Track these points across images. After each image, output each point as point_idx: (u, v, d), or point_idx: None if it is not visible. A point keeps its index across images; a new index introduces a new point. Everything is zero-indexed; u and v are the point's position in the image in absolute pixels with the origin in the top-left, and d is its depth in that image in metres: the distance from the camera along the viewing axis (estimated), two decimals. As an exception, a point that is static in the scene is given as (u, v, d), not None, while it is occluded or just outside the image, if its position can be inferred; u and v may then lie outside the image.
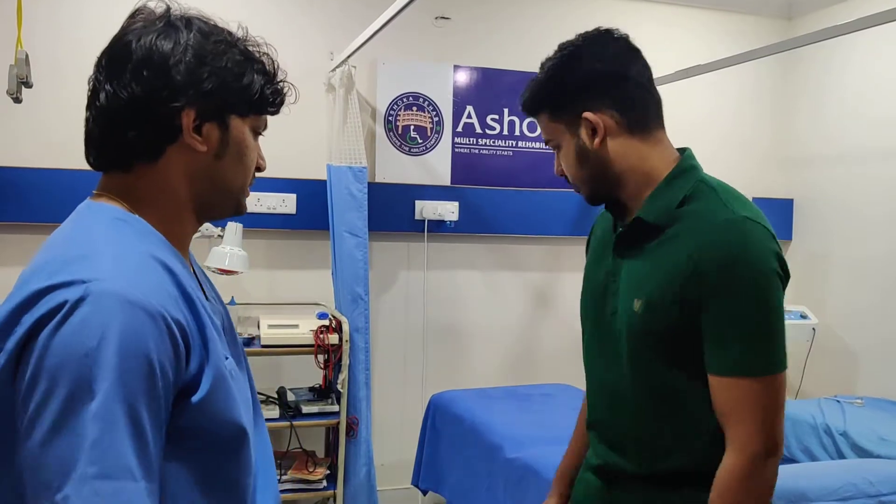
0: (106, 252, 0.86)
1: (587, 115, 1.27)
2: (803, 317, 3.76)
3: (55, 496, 0.75)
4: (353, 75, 3.40)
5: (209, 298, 1.05)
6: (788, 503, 1.79)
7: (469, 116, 3.79)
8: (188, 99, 0.94)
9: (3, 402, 0.80)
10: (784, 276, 1.25)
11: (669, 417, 1.26)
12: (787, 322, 3.88)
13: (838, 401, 3.25)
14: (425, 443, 3.21)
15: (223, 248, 3.08)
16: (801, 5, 4.11)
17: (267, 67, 1.09)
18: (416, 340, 3.76)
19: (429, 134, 3.74)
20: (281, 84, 1.12)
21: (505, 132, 3.84)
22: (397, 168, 3.69)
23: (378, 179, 3.65)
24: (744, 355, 1.17)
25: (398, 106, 3.68)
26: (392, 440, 3.71)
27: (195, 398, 0.86)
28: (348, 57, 3.23)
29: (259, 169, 1.07)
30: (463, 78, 3.77)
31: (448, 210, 3.73)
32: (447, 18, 3.71)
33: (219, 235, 3.20)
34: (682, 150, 1.36)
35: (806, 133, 4.19)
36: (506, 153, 3.85)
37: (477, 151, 3.81)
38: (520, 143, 3.87)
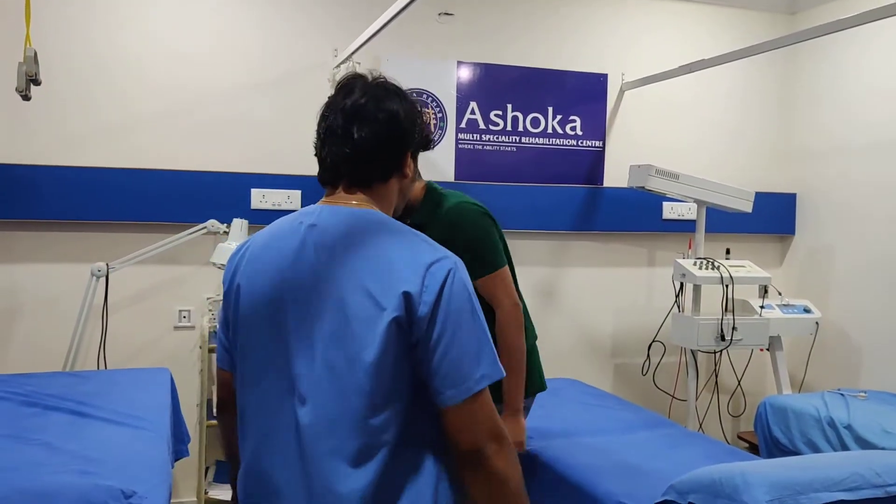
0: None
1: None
2: (807, 311, 3.77)
3: (477, 373, 1.22)
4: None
5: None
6: (795, 494, 1.80)
7: (472, 112, 3.80)
8: (409, 142, 1.40)
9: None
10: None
11: None
12: (790, 316, 3.85)
13: (842, 394, 3.26)
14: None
15: (229, 245, 3.10)
16: (805, 0, 4.11)
17: (427, 119, 1.47)
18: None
19: (432, 130, 3.74)
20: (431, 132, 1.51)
21: (508, 128, 3.85)
22: (401, 164, 3.70)
23: (382, 175, 3.66)
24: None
25: (402, 102, 3.69)
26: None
27: None
28: (352, 53, 3.24)
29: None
30: (466, 74, 3.78)
31: (452, 206, 3.74)
32: (450, 14, 3.72)
33: (224, 232, 3.21)
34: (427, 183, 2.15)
35: (809, 128, 4.19)
36: (509, 149, 3.86)
37: (480, 147, 3.82)
38: (523, 139, 3.88)
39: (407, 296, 1.21)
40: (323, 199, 1.37)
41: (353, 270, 1.24)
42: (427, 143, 1.49)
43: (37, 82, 2.54)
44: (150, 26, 3.32)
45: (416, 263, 1.23)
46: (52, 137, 3.24)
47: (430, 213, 2.10)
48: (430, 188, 2.16)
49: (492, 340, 1.28)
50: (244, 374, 1.34)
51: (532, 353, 2.19)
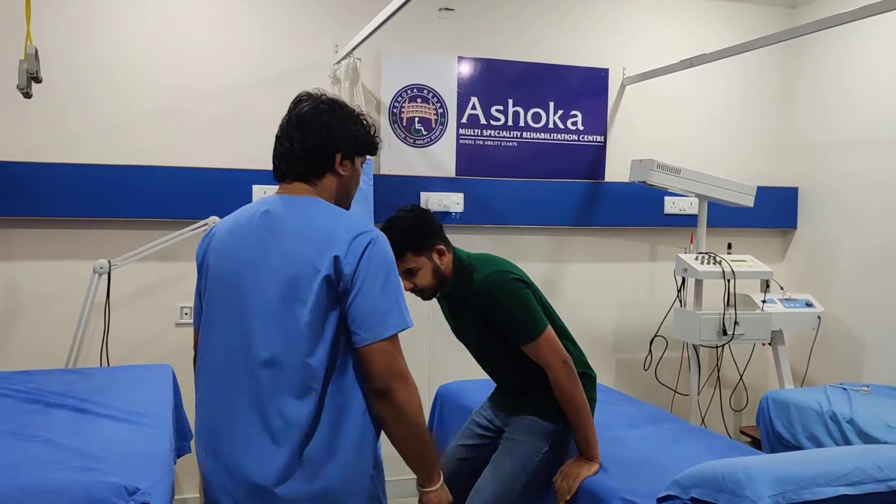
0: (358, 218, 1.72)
1: (435, 248, 2.21)
2: (808, 305, 3.77)
3: (387, 322, 1.55)
4: (357, 67, 3.40)
5: None
6: (798, 489, 1.80)
7: (473, 108, 3.79)
8: (340, 147, 1.69)
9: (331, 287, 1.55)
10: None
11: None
12: (792, 310, 3.85)
13: (844, 388, 3.26)
14: (433, 433, 3.22)
15: (230, 241, 3.09)
16: (806, -7, 4.10)
17: (368, 128, 1.76)
18: (422, 331, 3.77)
19: (433, 125, 3.74)
20: (376, 137, 1.80)
21: (510, 123, 3.84)
22: (402, 160, 3.70)
23: (383, 171, 3.66)
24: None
25: (402, 98, 3.68)
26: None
27: None
28: (353, 49, 3.24)
29: None
30: (467, 69, 3.78)
31: (453, 201, 3.74)
32: (451, 10, 3.71)
33: (226, 228, 3.21)
34: (453, 250, 2.29)
35: (811, 122, 4.18)
36: (510, 144, 3.86)
37: (482, 143, 3.82)
38: (524, 134, 3.87)
39: (336, 259, 1.54)
40: (276, 191, 1.71)
41: (297, 243, 1.58)
42: (368, 148, 1.78)
43: (38, 80, 2.54)
44: (150, 24, 3.32)
45: (346, 234, 1.57)
46: (53, 135, 3.24)
47: (463, 288, 2.24)
48: (457, 259, 2.25)
49: (401, 303, 1.59)
50: (208, 334, 1.67)
51: (588, 390, 2.31)
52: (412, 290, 2.23)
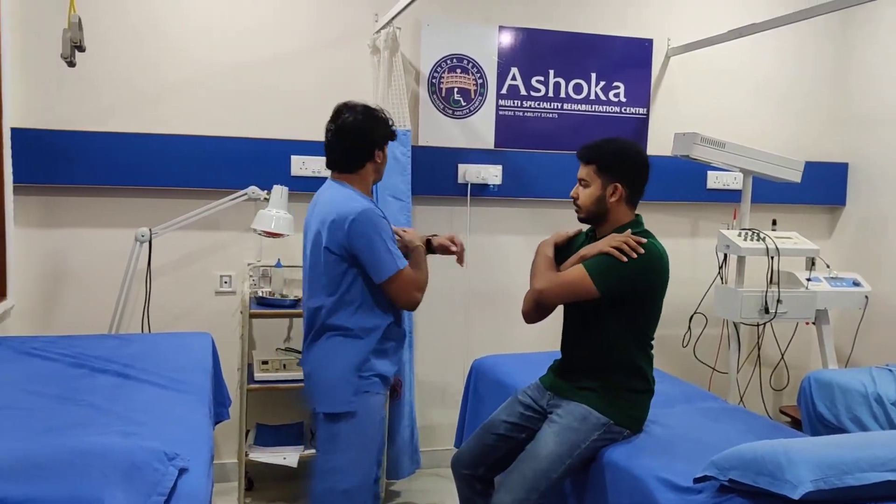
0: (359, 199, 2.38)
1: (617, 184, 2.29)
2: (856, 284, 3.67)
3: (393, 271, 2.32)
4: (397, 37, 3.36)
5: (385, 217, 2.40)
6: (841, 473, 1.75)
7: (514, 78, 3.73)
8: (376, 144, 2.43)
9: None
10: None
11: None
12: (838, 289, 3.75)
13: (891, 370, 3.17)
14: (468, 406, 3.23)
15: (269, 211, 3.12)
16: (863, -40, 3.93)
17: (389, 121, 2.46)
18: (459, 305, 3.77)
19: (472, 96, 3.69)
20: (394, 126, 2.48)
21: (550, 94, 3.78)
22: (440, 131, 3.66)
23: (421, 143, 3.64)
24: None
25: (442, 68, 3.64)
26: (434, 403, 3.75)
27: None
28: (392, 18, 3.20)
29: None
30: (508, 39, 3.71)
31: (491, 174, 3.70)
32: (492, -22, 3.64)
33: (265, 199, 3.23)
34: (637, 215, 2.37)
35: (863, 95, 4.04)
36: (551, 115, 3.80)
37: (521, 114, 3.76)
38: (565, 105, 3.81)
39: (329, 234, 2.32)
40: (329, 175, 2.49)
41: (316, 219, 2.39)
42: (389, 136, 2.45)
43: (81, 49, 2.56)
44: (190, -9, 3.32)
45: (345, 215, 2.29)
46: (97, 104, 3.28)
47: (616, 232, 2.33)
48: (634, 221, 2.34)
49: (389, 253, 2.31)
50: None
51: (647, 396, 2.36)
52: (574, 199, 2.37)
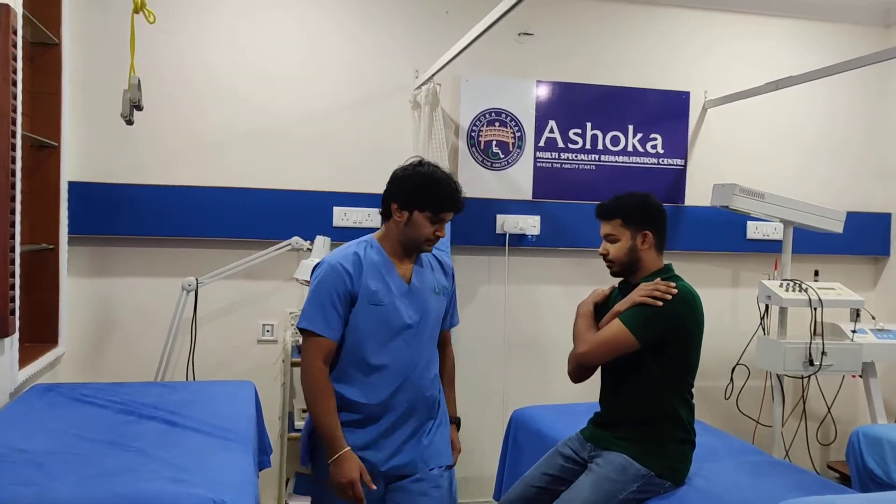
0: (338, 250, 2.28)
1: (646, 231, 2.34)
2: (903, 336, 3.59)
3: (302, 325, 2.19)
4: (437, 92, 3.46)
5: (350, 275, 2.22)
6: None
7: (551, 131, 3.80)
8: (395, 199, 2.25)
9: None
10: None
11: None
12: (885, 341, 3.68)
13: (942, 425, 3.09)
14: (507, 458, 3.21)
15: (312, 261, 3.18)
16: (899, 12, 3.95)
17: (443, 190, 2.25)
18: (497, 354, 3.77)
19: (511, 149, 3.76)
20: (448, 201, 2.26)
21: (588, 146, 3.83)
22: (479, 183, 3.72)
23: (461, 194, 3.69)
24: None
25: (481, 122, 3.72)
26: (472, 454, 3.73)
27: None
28: (433, 75, 3.29)
29: (436, 238, 2.28)
30: (545, 93, 3.79)
31: (529, 224, 3.74)
32: (530, 34, 3.74)
33: (307, 249, 3.30)
34: (667, 264, 2.39)
35: (905, 144, 4.01)
36: (588, 167, 3.84)
37: (559, 166, 3.81)
38: (602, 157, 3.85)
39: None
40: None
41: None
42: (421, 204, 2.20)
43: (139, 108, 2.68)
44: (238, 53, 3.46)
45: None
46: (147, 157, 3.41)
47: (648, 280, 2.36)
48: (664, 268, 2.37)
49: (313, 306, 2.17)
50: None
51: (689, 447, 2.34)
52: (604, 257, 2.41)
